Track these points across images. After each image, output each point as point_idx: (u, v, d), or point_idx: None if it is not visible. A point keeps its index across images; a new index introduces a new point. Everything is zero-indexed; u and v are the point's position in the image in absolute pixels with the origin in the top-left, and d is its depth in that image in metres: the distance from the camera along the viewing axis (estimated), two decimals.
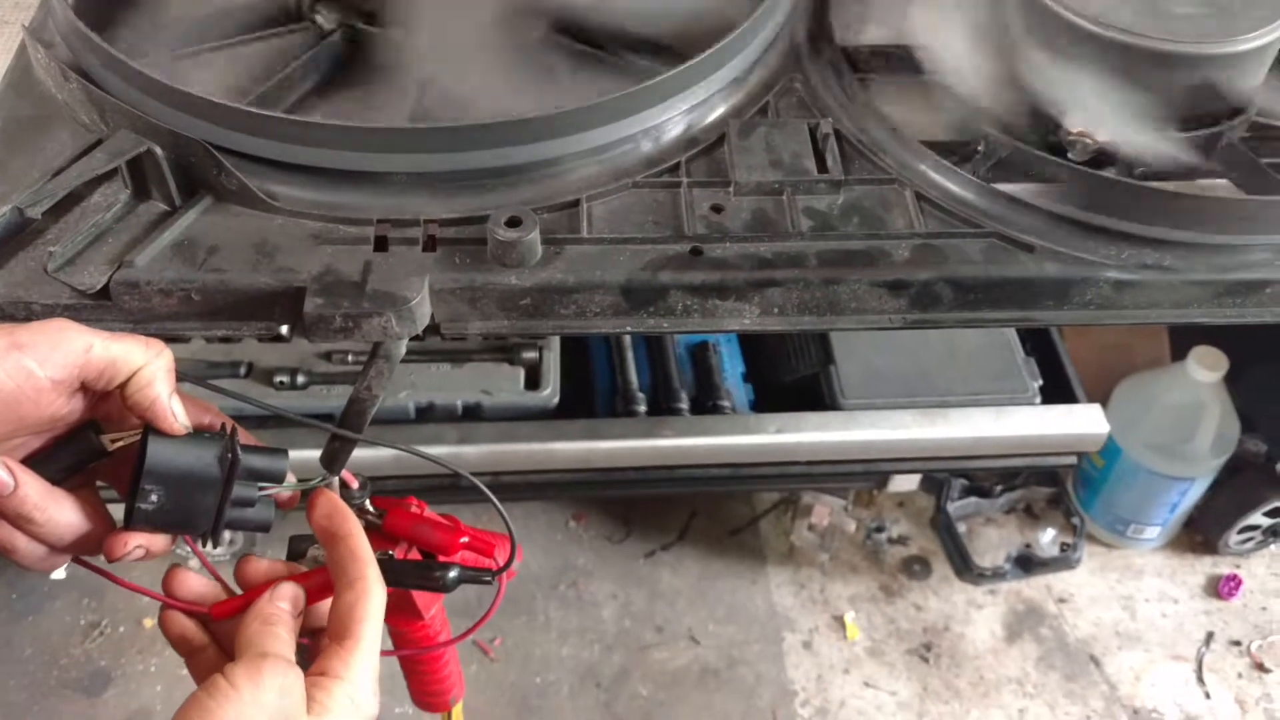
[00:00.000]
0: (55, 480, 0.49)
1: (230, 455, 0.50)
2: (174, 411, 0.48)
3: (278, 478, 0.53)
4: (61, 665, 1.28)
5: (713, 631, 1.35)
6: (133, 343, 0.48)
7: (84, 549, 0.50)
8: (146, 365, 0.47)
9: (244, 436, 0.52)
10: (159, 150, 0.64)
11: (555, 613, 1.37)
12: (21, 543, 0.49)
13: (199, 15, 0.79)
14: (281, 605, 0.50)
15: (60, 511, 0.48)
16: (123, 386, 0.48)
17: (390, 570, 0.63)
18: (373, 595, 0.50)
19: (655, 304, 0.65)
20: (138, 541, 0.50)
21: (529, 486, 1.04)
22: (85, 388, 0.48)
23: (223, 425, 0.52)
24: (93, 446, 0.50)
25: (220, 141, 0.66)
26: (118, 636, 1.30)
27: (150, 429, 0.49)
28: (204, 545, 0.52)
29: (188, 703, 0.45)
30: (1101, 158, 0.73)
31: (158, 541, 0.51)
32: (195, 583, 0.52)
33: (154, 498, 0.49)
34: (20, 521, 0.48)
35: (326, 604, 0.52)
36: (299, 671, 0.46)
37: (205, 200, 0.66)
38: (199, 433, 0.50)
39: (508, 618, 1.35)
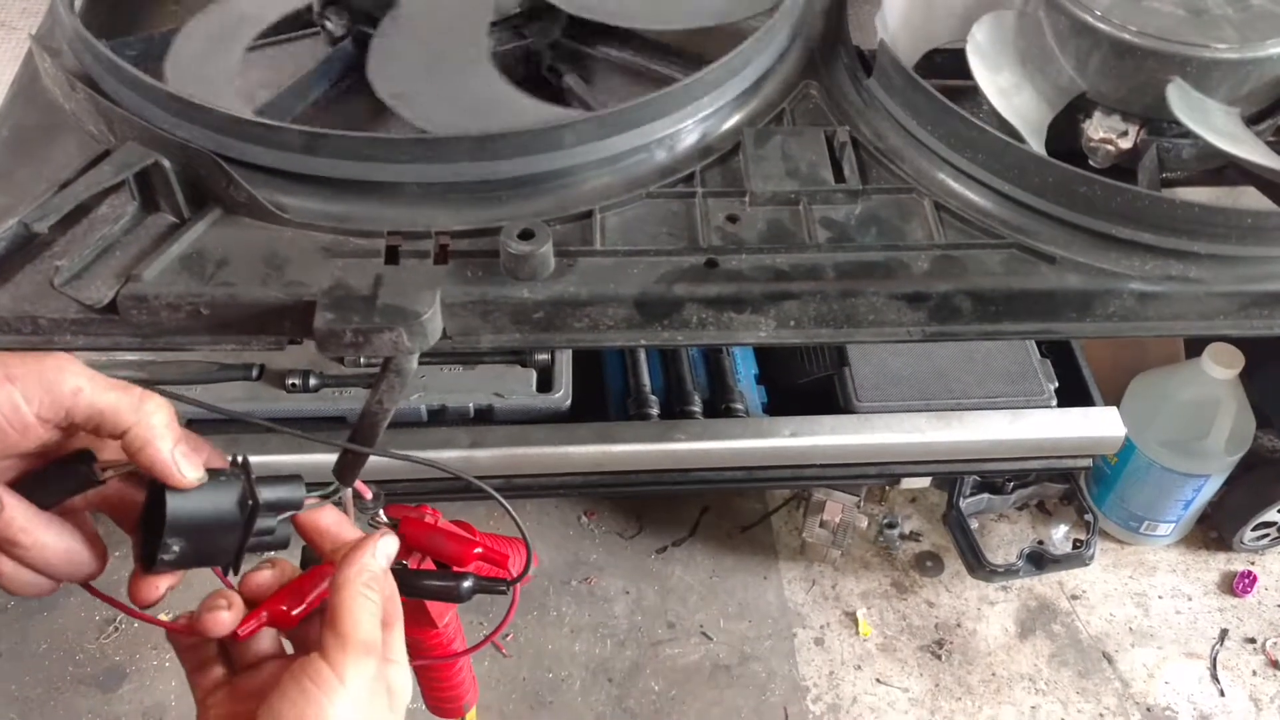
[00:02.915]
0: (45, 506, 0.48)
1: (250, 501, 0.49)
2: (180, 467, 0.47)
3: (296, 505, 0.53)
4: (77, 661, 1.29)
5: (724, 627, 1.35)
6: (122, 396, 0.46)
7: (74, 576, 0.50)
8: (136, 426, 0.46)
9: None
10: (167, 163, 0.63)
11: (567, 608, 1.37)
12: (8, 567, 0.48)
13: (207, 22, 0.77)
14: (384, 564, 0.51)
15: (48, 536, 0.48)
16: (123, 443, 0.47)
17: (405, 580, 0.63)
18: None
19: (670, 317, 0.64)
20: (168, 584, 0.50)
21: (542, 488, 1.03)
22: (75, 427, 0.47)
23: (233, 459, 0.51)
24: (86, 475, 0.49)
25: (229, 152, 0.65)
26: (132, 632, 1.31)
27: (164, 485, 0.48)
28: (227, 574, 0.52)
29: (287, 688, 0.45)
30: (1123, 164, 0.72)
31: (179, 576, 0.51)
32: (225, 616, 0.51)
33: (176, 549, 0.48)
34: (6, 545, 0.47)
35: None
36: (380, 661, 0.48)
37: (214, 212, 0.65)
38: (213, 473, 0.49)
39: (520, 614, 1.35)
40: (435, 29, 0.75)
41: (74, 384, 0.45)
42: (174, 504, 0.47)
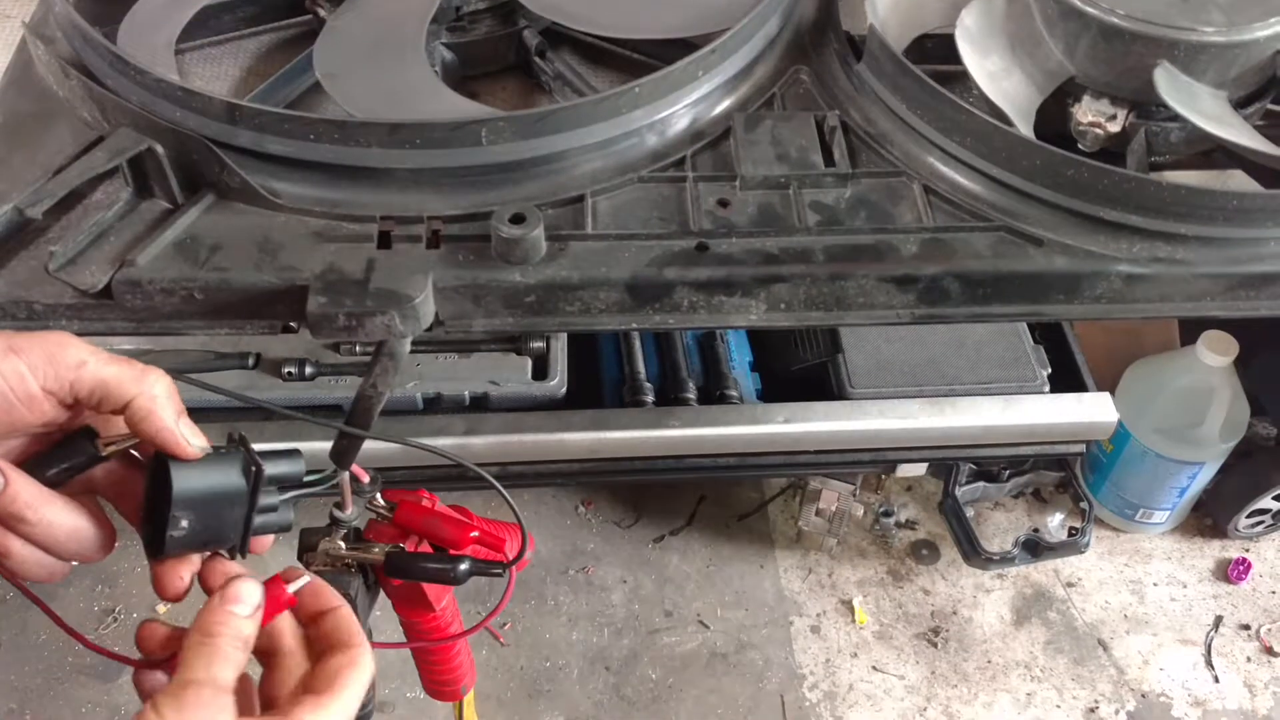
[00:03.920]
0: (50, 483, 0.48)
1: (254, 468, 0.49)
2: (185, 437, 0.47)
3: (296, 480, 0.53)
4: (76, 651, 1.29)
5: (721, 616, 1.35)
6: (125, 369, 0.46)
7: (82, 554, 0.50)
8: (139, 396, 0.46)
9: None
10: (160, 148, 0.63)
11: (565, 597, 1.37)
12: (16, 545, 0.48)
13: (200, 8, 0.78)
14: (232, 610, 0.46)
15: (54, 513, 0.48)
16: (125, 415, 0.47)
17: (401, 563, 0.64)
18: (362, 665, 0.47)
19: (661, 301, 0.65)
20: (190, 572, 0.49)
21: (537, 475, 1.04)
22: (79, 402, 0.47)
23: (230, 435, 0.51)
24: (88, 451, 0.50)
25: (222, 138, 0.66)
26: (131, 623, 1.31)
27: (168, 457, 0.48)
28: (233, 558, 0.52)
29: None
30: (1112, 148, 0.73)
31: (196, 563, 0.50)
32: (163, 633, 0.49)
33: (184, 524, 0.48)
34: (13, 521, 0.47)
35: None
36: (230, 701, 0.44)
37: (208, 198, 0.66)
38: (214, 449, 0.49)
39: (517, 602, 1.35)
40: (383, 17, 0.76)
41: (77, 357, 0.45)
42: (179, 475, 0.47)
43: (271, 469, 0.50)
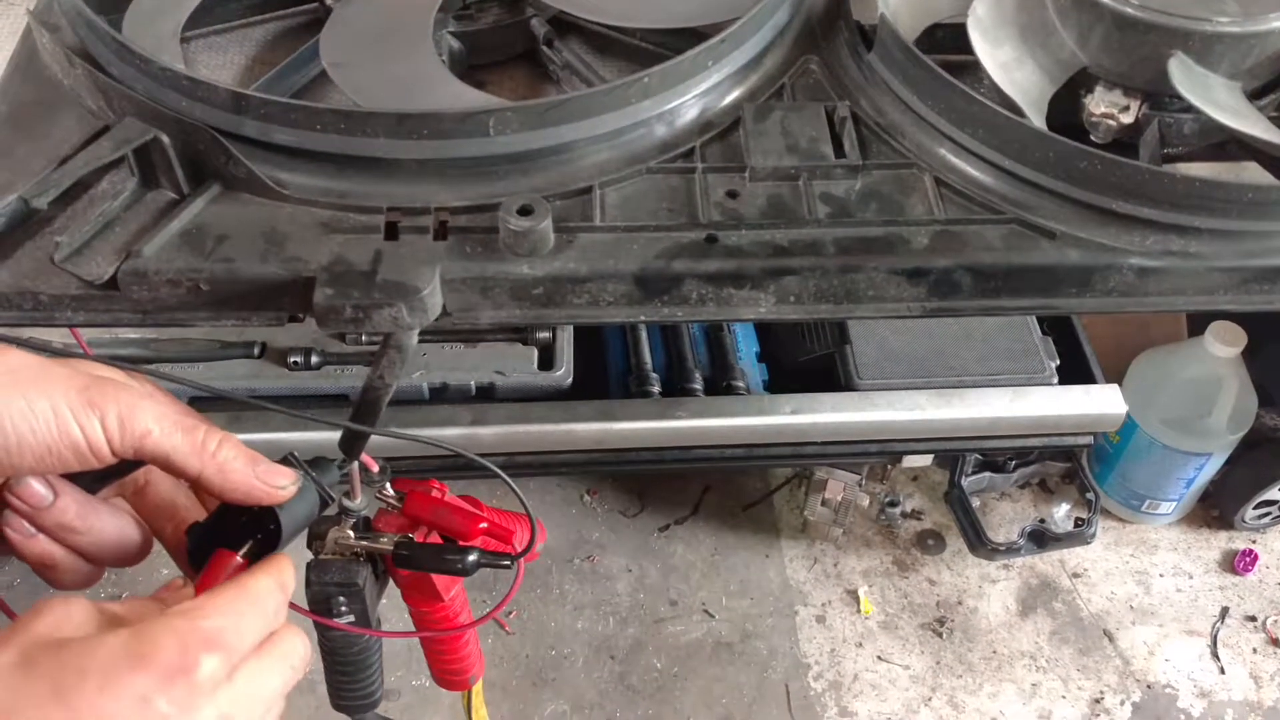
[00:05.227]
0: (95, 491, 0.49)
1: (328, 501, 0.51)
2: (272, 484, 0.48)
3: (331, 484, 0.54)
4: None
5: (726, 605, 1.36)
6: (185, 440, 0.46)
7: (124, 557, 0.50)
8: (205, 470, 0.46)
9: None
10: (166, 138, 0.63)
11: (570, 586, 1.37)
12: (60, 554, 0.48)
13: None
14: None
15: (100, 519, 0.48)
16: (199, 488, 0.48)
17: (410, 553, 0.63)
18: (283, 567, 0.47)
19: (669, 293, 0.64)
20: None
21: (543, 465, 1.04)
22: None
23: (285, 458, 0.51)
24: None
25: (228, 127, 0.65)
26: None
27: (274, 510, 0.48)
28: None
29: None
30: (1125, 140, 0.72)
31: None
32: None
33: None
34: (63, 533, 0.47)
35: None
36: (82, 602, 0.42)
37: (214, 188, 0.65)
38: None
39: (523, 591, 1.35)
40: (390, 5, 0.76)
41: (144, 425, 0.45)
42: (286, 522, 0.48)
43: (327, 483, 0.52)
